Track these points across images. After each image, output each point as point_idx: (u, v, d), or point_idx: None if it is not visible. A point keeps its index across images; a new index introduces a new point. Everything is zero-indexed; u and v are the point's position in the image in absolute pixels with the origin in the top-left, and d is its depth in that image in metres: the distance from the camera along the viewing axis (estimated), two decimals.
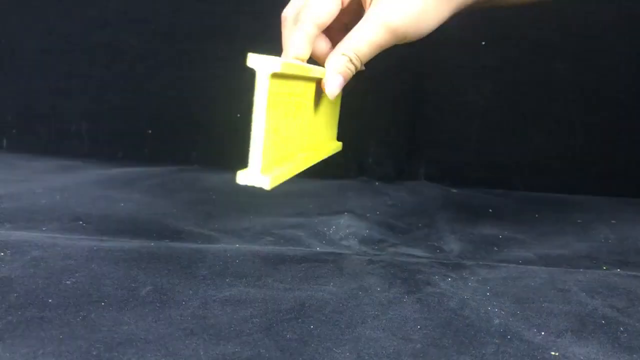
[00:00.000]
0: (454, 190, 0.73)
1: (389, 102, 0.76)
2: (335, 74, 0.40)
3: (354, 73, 0.41)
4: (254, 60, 0.31)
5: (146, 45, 0.82)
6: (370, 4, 0.41)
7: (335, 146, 0.51)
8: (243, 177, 0.33)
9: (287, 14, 0.43)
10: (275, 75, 0.31)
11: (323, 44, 0.43)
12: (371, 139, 0.79)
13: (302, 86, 0.39)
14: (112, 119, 0.85)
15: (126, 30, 0.82)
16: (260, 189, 0.33)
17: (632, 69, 0.73)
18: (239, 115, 0.80)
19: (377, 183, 0.75)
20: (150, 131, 0.83)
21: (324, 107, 0.45)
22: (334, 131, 0.51)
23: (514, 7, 0.49)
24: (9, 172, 0.73)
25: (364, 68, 0.42)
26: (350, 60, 0.40)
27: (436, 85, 0.77)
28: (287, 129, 0.36)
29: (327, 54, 0.42)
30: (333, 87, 0.40)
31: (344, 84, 0.41)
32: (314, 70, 0.39)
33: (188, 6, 0.80)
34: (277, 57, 0.32)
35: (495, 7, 0.47)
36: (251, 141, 0.32)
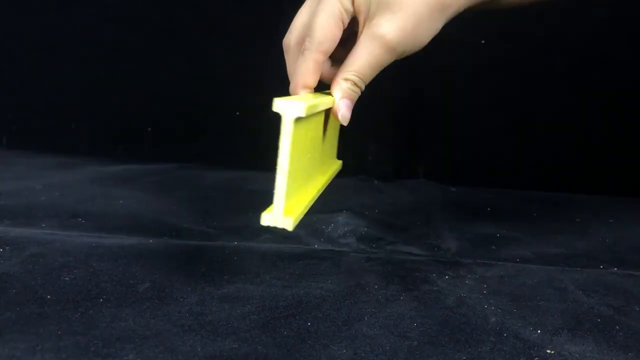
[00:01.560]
0: (453, 189, 0.73)
1: (388, 101, 0.76)
2: (344, 99, 0.41)
3: (359, 94, 0.42)
4: (279, 105, 0.32)
5: (146, 43, 0.82)
6: (364, 21, 0.41)
7: (337, 166, 0.51)
8: (267, 219, 0.33)
9: (289, 41, 0.43)
10: (298, 119, 0.32)
11: (325, 64, 0.43)
12: (370, 138, 0.79)
13: (315, 120, 0.39)
14: (112, 116, 0.85)
15: (126, 28, 0.82)
16: (283, 229, 0.33)
17: (630, 68, 0.73)
18: (237, 113, 0.80)
19: (376, 181, 0.76)
20: (150, 129, 0.83)
21: (327, 130, 0.45)
22: (334, 151, 0.52)
23: (504, 9, 0.48)
24: (8, 169, 0.73)
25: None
26: (355, 83, 0.41)
27: (435, 84, 0.77)
28: (303, 165, 0.37)
29: (329, 74, 0.43)
30: (345, 113, 0.41)
31: (352, 106, 0.41)
32: (324, 101, 0.39)
33: (189, 4, 0.80)
34: (301, 100, 0.33)
35: (487, 11, 0.47)
36: (275, 184, 0.33)
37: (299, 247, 0.48)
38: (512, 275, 0.44)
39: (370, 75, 0.41)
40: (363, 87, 0.42)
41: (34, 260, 0.41)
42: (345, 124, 0.41)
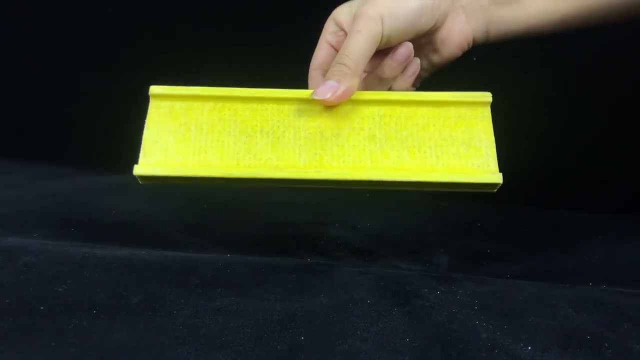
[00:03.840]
0: (444, 204, 0.74)
1: None
2: (325, 81, 0.42)
3: (352, 72, 0.42)
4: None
5: (140, 52, 0.82)
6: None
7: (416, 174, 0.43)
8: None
9: None
10: (162, 97, 0.45)
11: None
12: None
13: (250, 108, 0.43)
14: (105, 125, 0.85)
15: (120, 36, 0.82)
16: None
17: (623, 87, 0.74)
18: None
19: (367, 195, 0.76)
20: None
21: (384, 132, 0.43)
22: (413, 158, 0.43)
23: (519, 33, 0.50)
24: (0, 178, 0.73)
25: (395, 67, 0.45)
26: (339, 63, 0.42)
27: None
28: (212, 141, 0.42)
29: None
30: (318, 89, 0.42)
31: (338, 86, 0.42)
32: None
33: (185, 13, 0.80)
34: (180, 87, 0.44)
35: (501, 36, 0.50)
36: None
37: (292, 260, 0.48)
38: (503, 291, 0.44)
39: (354, 49, 0.42)
40: (351, 65, 0.42)
41: (27, 270, 0.41)
42: (315, 97, 0.42)
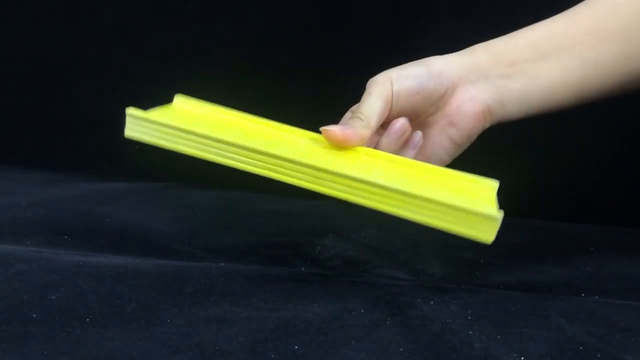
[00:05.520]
0: None
1: None
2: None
3: (364, 123, 0.45)
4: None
5: (135, 62, 0.82)
6: None
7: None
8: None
9: None
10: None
11: None
12: None
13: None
14: (98, 133, 0.85)
15: (115, 45, 0.82)
16: None
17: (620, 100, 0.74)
18: None
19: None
20: (137, 147, 0.83)
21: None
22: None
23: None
24: None
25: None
26: (352, 117, 0.46)
27: None
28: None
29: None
30: (327, 126, 0.45)
31: (348, 127, 0.45)
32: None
33: (179, 24, 0.81)
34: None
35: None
36: None
37: (286, 269, 0.48)
38: (496, 301, 0.44)
39: (366, 106, 0.46)
40: (363, 117, 0.45)
41: (20, 277, 0.41)
42: (323, 128, 0.45)
